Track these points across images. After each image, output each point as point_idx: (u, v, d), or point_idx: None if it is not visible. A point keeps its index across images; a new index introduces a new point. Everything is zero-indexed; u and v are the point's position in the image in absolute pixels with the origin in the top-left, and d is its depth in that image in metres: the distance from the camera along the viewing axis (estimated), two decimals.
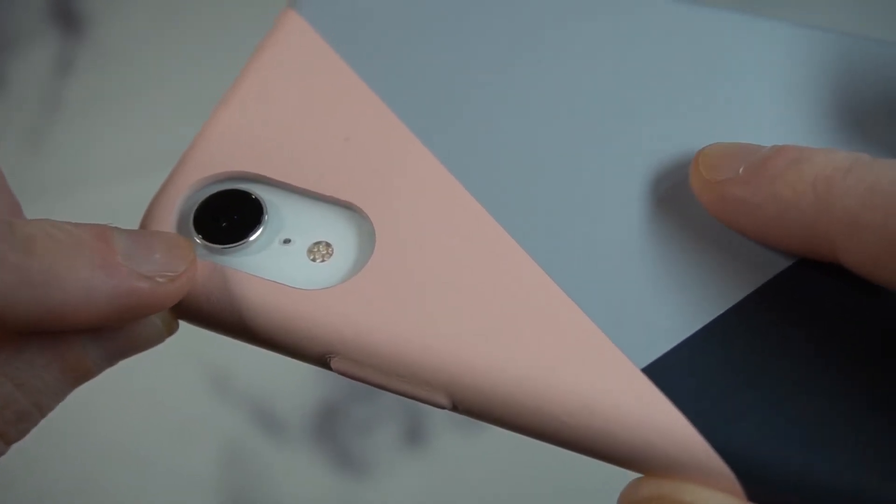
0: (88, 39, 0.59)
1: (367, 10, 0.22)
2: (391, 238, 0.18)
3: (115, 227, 0.17)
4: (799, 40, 0.20)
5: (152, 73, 0.58)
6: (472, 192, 0.19)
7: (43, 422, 0.17)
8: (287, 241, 0.19)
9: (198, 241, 0.19)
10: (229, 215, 0.19)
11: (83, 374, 0.17)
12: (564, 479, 0.43)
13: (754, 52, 0.20)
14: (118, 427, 0.47)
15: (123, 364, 0.18)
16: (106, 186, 0.54)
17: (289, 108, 0.20)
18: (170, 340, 0.18)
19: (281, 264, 0.18)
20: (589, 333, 0.17)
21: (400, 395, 0.17)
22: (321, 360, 0.18)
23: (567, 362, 0.16)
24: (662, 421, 0.16)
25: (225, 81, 0.21)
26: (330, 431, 0.47)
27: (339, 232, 0.19)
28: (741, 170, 0.17)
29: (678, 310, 0.17)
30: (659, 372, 0.16)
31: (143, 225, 0.19)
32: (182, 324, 0.19)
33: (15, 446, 0.17)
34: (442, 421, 0.46)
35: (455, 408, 0.17)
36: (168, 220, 0.19)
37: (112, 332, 0.17)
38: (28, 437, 0.17)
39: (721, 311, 0.17)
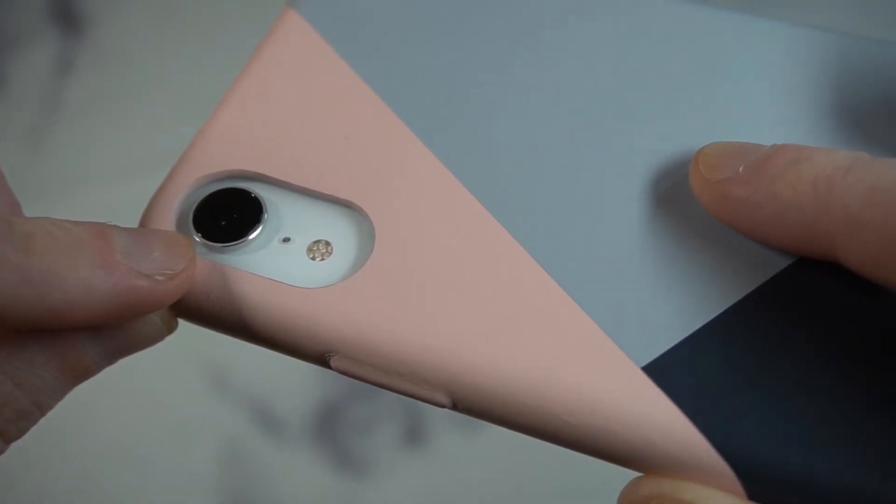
0: (88, 39, 0.59)
1: (367, 10, 0.22)
2: (391, 237, 0.18)
3: (115, 226, 0.17)
4: (799, 40, 0.20)
5: (152, 73, 0.58)
6: (472, 191, 0.19)
7: (42, 421, 0.17)
8: (287, 240, 0.19)
9: (197, 239, 0.18)
10: (229, 214, 0.19)
11: (83, 373, 0.17)
12: (564, 479, 0.43)
13: (754, 52, 0.20)
14: (118, 426, 0.47)
15: (123, 363, 0.18)
16: (106, 186, 0.54)
17: (289, 108, 0.20)
18: (169, 339, 0.19)
19: (280, 263, 0.18)
20: (589, 332, 0.17)
21: (400, 393, 0.17)
22: (321, 358, 0.18)
23: (567, 361, 0.16)
24: (663, 420, 0.16)
25: (225, 81, 0.21)
26: (330, 431, 0.47)
27: (338, 231, 0.19)
28: (741, 169, 0.17)
29: (678, 309, 0.17)
30: (659, 371, 0.16)
31: (143, 223, 0.19)
32: (181, 322, 0.19)
33: (14, 445, 0.17)
34: (442, 421, 0.46)
35: (455, 406, 0.17)
36: (167, 219, 0.19)
37: (111, 331, 0.17)
38: (28, 436, 0.17)
39: (721, 310, 0.17)
